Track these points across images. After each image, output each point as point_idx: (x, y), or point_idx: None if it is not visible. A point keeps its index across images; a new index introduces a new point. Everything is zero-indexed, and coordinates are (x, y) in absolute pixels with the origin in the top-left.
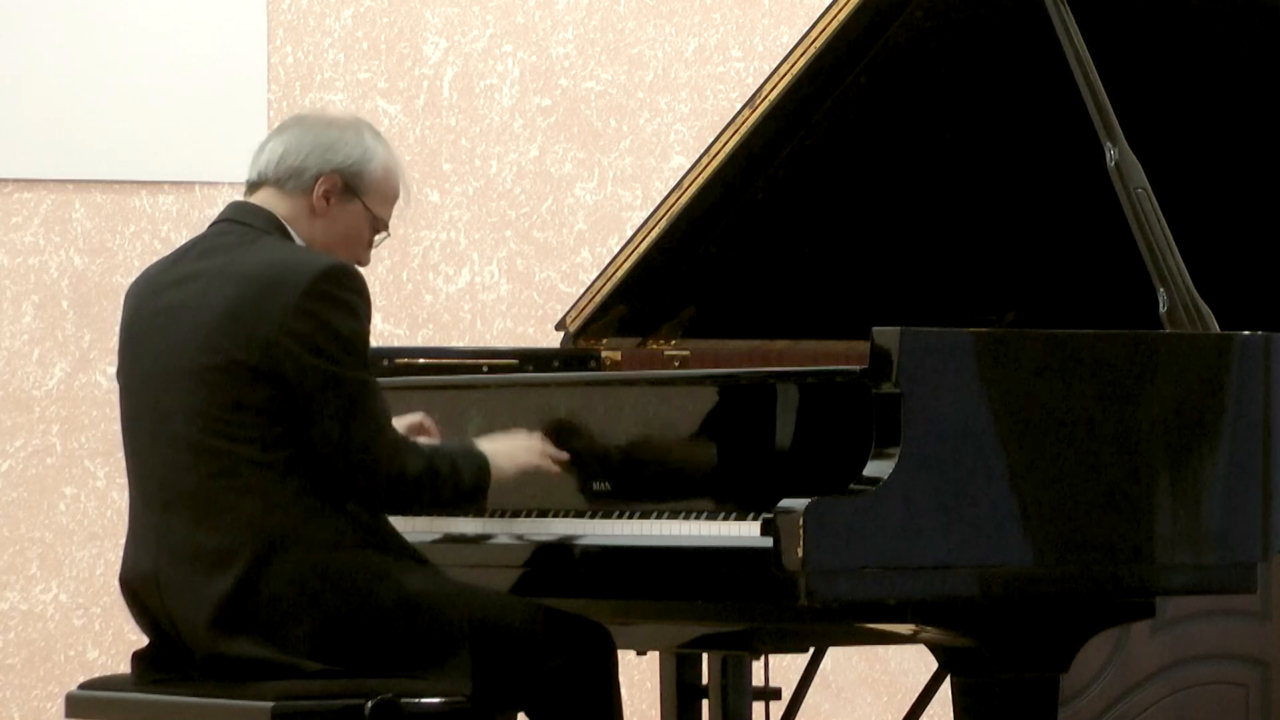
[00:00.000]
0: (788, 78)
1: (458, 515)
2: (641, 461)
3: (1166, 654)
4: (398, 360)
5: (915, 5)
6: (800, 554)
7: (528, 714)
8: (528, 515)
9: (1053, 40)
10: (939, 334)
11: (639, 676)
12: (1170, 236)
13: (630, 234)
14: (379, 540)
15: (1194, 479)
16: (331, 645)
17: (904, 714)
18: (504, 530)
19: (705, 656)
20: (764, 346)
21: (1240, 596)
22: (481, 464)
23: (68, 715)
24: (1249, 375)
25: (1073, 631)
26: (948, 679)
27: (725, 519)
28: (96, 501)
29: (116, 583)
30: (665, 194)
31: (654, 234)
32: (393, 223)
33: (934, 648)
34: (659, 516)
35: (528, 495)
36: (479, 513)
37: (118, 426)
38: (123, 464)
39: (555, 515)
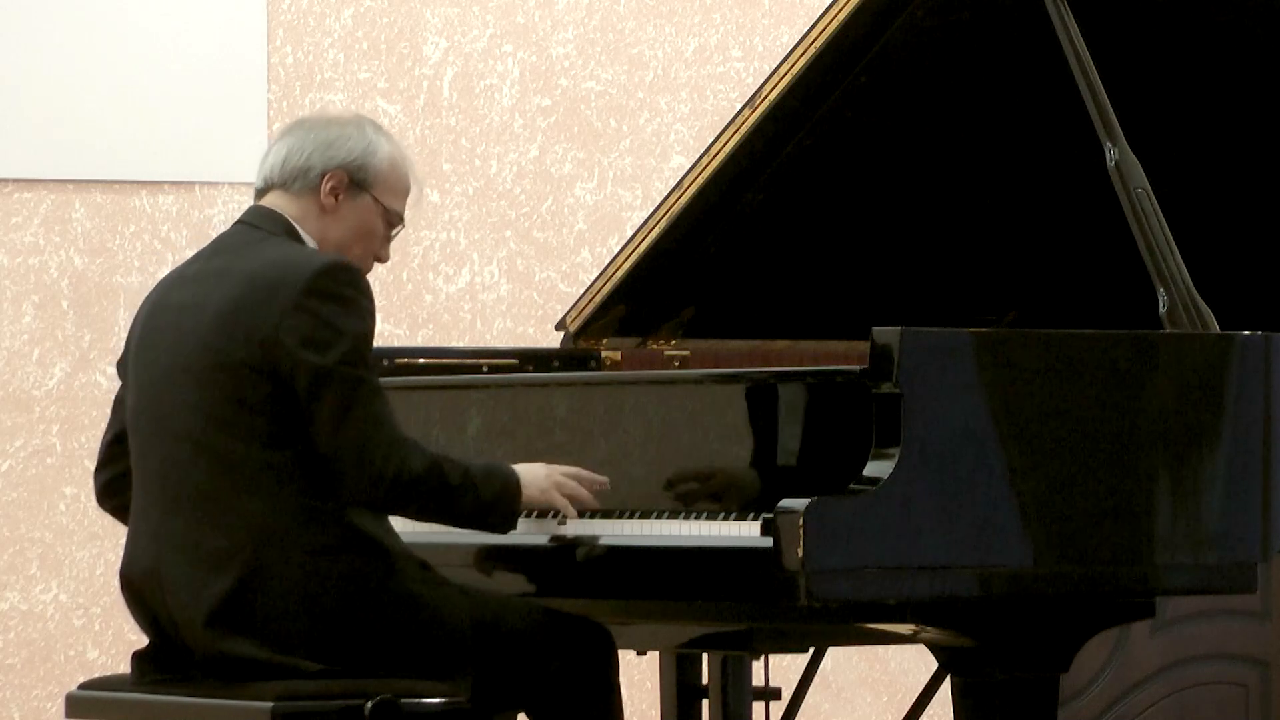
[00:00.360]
0: (788, 78)
1: (485, 532)
2: (641, 461)
3: (1166, 654)
4: (398, 360)
5: (915, 5)
6: (800, 554)
7: (529, 715)
8: (527, 515)
9: (1053, 40)
10: (939, 334)
11: (639, 676)
12: (1170, 236)
13: (630, 234)
14: (380, 543)
15: (1194, 479)
16: (331, 646)
17: (904, 714)
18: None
19: (705, 656)
20: (764, 346)
21: (1240, 596)
22: (509, 481)
23: (68, 715)
24: (1249, 375)
25: (1073, 631)
26: (948, 679)
27: (725, 519)
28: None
29: (116, 583)
30: (665, 194)
31: (654, 234)
32: (407, 216)
33: (934, 648)
34: (659, 516)
35: None
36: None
37: None
38: None
39: (555, 515)
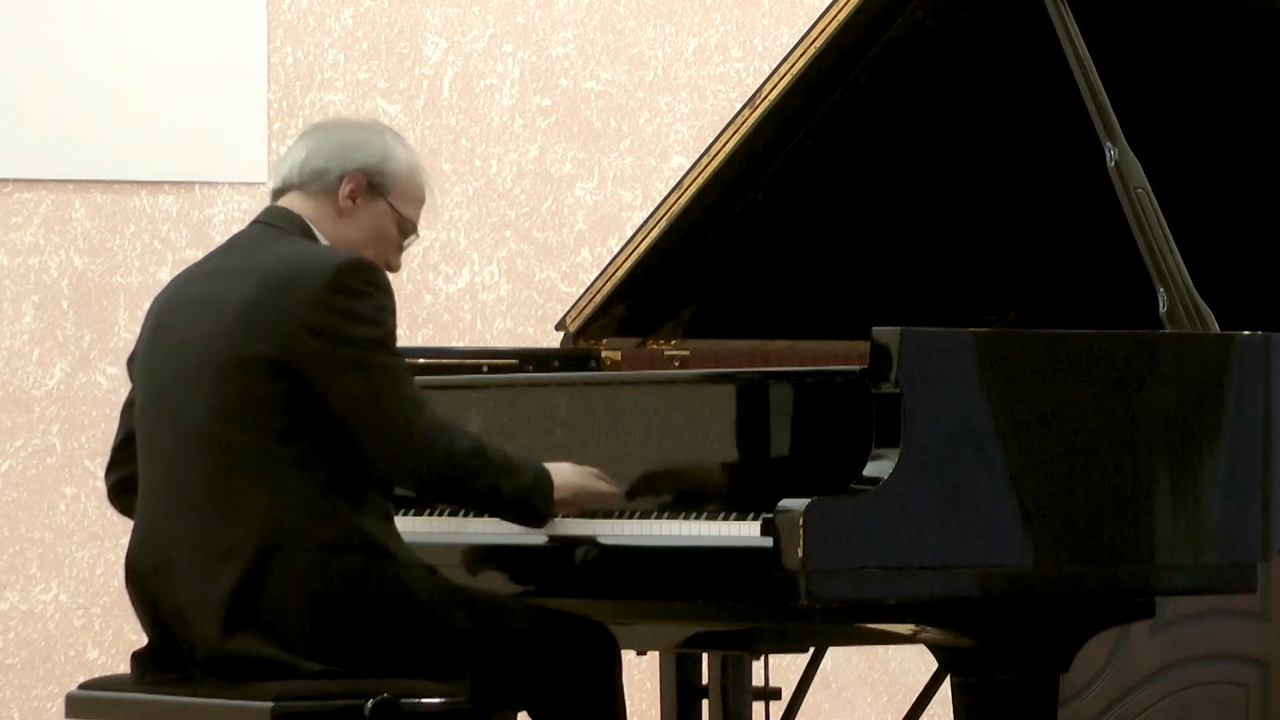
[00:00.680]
0: (788, 78)
1: (518, 523)
2: (641, 461)
3: (1166, 654)
4: None
5: (915, 5)
6: (800, 554)
7: (530, 715)
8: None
9: (1053, 40)
10: (939, 334)
11: (639, 676)
12: (1170, 236)
13: (630, 234)
14: (386, 543)
15: (1194, 479)
16: (333, 642)
17: (904, 714)
18: (504, 530)
19: (705, 656)
20: (764, 346)
21: (1240, 596)
22: (541, 471)
23: (68, 715)
24: (1249, 375)
25: (1073, 631)
26: (948, 679)
27: (725, 519)
28: (96, 501)
29: (117, 583)
30: (665, 194)
31: (654, 234)
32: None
33: (934, 648)
34: (659, 516)
35: None
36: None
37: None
38: None
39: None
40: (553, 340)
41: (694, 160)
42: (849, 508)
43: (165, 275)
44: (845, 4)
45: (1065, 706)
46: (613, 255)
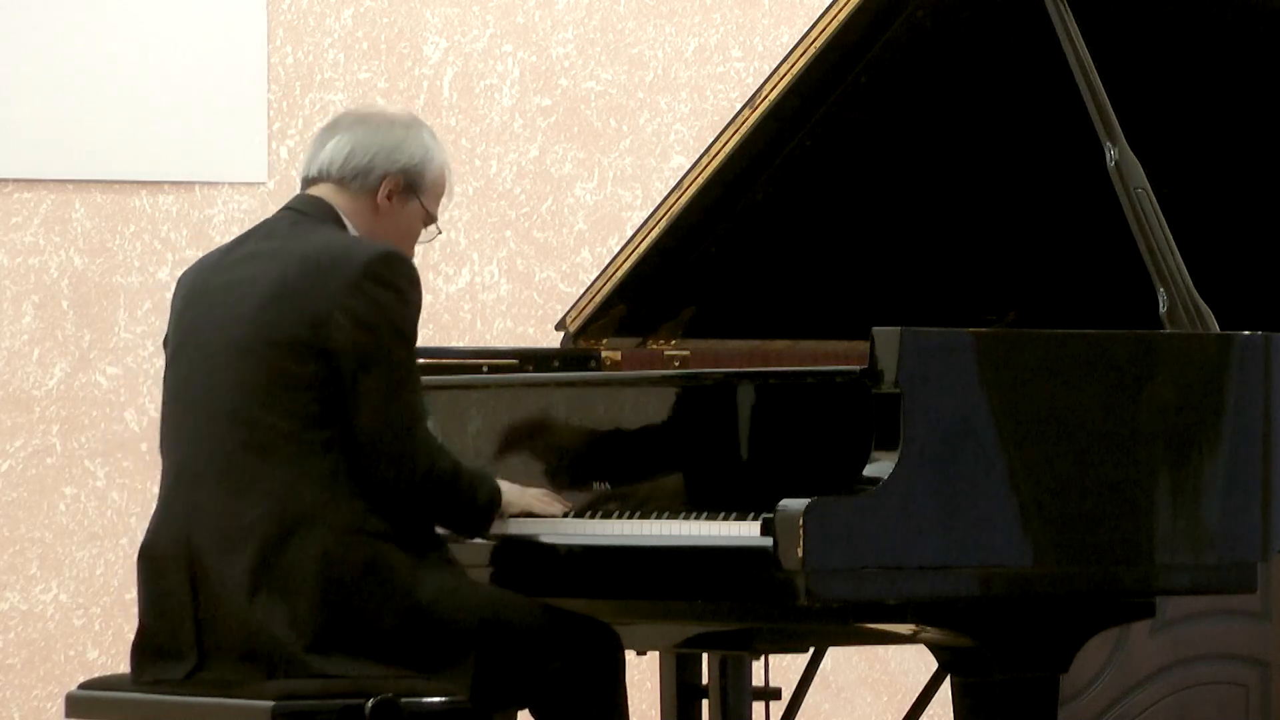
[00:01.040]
0: (788, 78)
1: (461, 535)
2: (641, 461)
3: (1166, 654)
4: None
5: (915, 5)
6: (800, 554)
7: (533, 713)
8: (527, 515)
9: (1053, 40)
10: (939, 334)
11: (639, 676)
12: (1170, 236)
13: (630, 234)
14: (402, 531)
15: (1194, 479)
16: (339, 628)
17: (904, 714)
18: (503, 530)
19: (705, 656)
20: (764, 346)
21: (1240, 596)
22: (494, 488)
23: (68, 715)
24: (1249, 375)
25: (1073, 631)
26: (948, 679)
27: (725, 519)
28: (96, 501)
29: (117, 583)
30: (665, 194)
31: (654, 234)
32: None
33: (934, 648)
34: (659, 516)
35: None
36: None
37: (118, 426)
38: (123, 464)
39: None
40: (553, 340)
41: (694, 160)
42: (849, 508)
43: (165, 275)
44: (845, 4)
45: (1065, 706)
46: (613, 255)
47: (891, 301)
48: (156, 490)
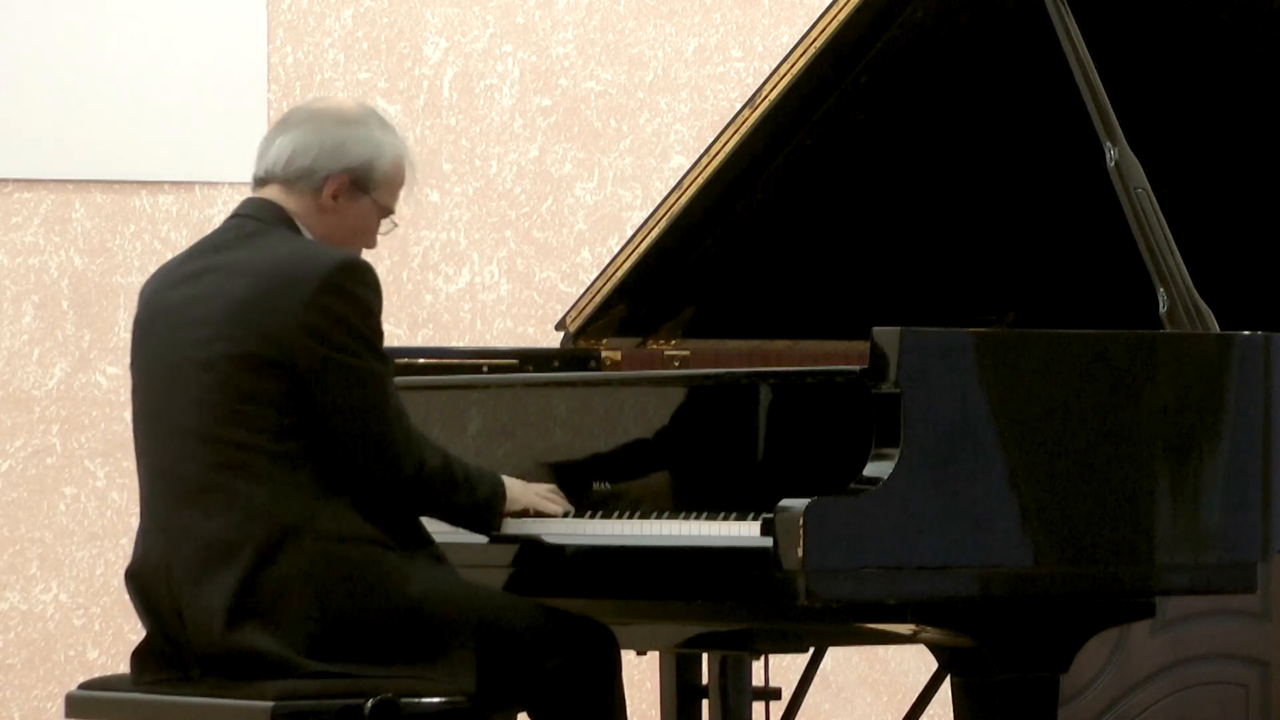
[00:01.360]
0: (788, 78)
1: (469, 530)
2: (641, 461)
3: (1166, 654)
4: (398, 360)
5: (915, 5)
6: (800, 554)
7: (530, 714)
8: (527, 515)
9: (1053, 40)
10: (939, 334)
11: (639, 676)
12: (1170, 236)
13: (630, 234)
14: (390, 534)
15: (1194, 479)
16: (334, 637)
17: (904, 714)
18: (504, 530)
19: (705, 656)
20: (764, 346)
21: (1240, 596)
22: (497, 484)
23: (68, 715)
24: (1249, 375)
25: (1073, 631)
26: (948, 679)
27: (725, 519)
28: (96, 501)
29: (117, 583)
30: (665, 194)
31: (654, 234)
32: (400, 208)
33: (934, 648)
34: (659, 516)
35: None
36: (488, 531)
37: (118, 426)
38: (122, 464)
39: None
40: (553, 340)
41: (694, 160)
42: (849, 508)
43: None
44: (845, 4)
45: (1065, 706)
46: (613, 255)
47: (891, 301)
48: None
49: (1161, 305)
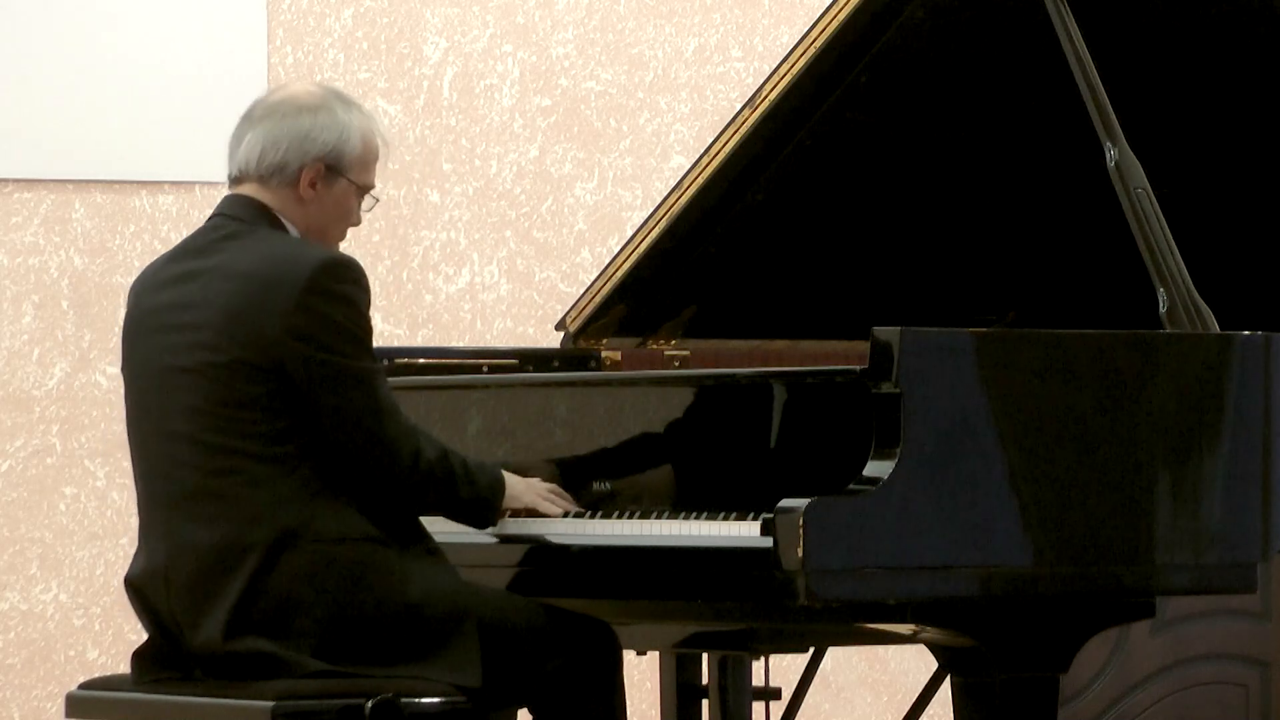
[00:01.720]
0: (788, 78)
1: (468, 525)
2: (641, 461)
3: (1166, 654)
4: (398, 360)
5: (915, 5)
6: (800, 554)
7: (531, 713)
8: (528, 515)
9: (1053, 40)
10: (939, 334)
11: (639, 676)
12: (1170, 236)
13: (630, 234)
14: (388, 532)
15: (1194, 479)
16: (337, 637)
17: (904, 714)
18: (504, 530)
19: (705, 656)
20: (764, 346)
21: (1240, 596)
22: (497, 478)
23: (68, 715)
24: (1249, 375)
25: (1073, 631)
26: (948, 679)
27: (725, 519)
28: (96, 501)
29: (116, 583)
30: (665, 194)
31: (654, 234)
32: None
33: (934, 648)
34: (659, 516)
35: None
36: (487, 526)
37: (118, 426)
38: (122, 464)
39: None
40: (553, 340)
41: (694, 160)
42: (849, 508)
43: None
44: (845, 4)
45: (1065, 706)
46: (613, 255)
47: (891, 301)
48: None
49: (1161, 305)
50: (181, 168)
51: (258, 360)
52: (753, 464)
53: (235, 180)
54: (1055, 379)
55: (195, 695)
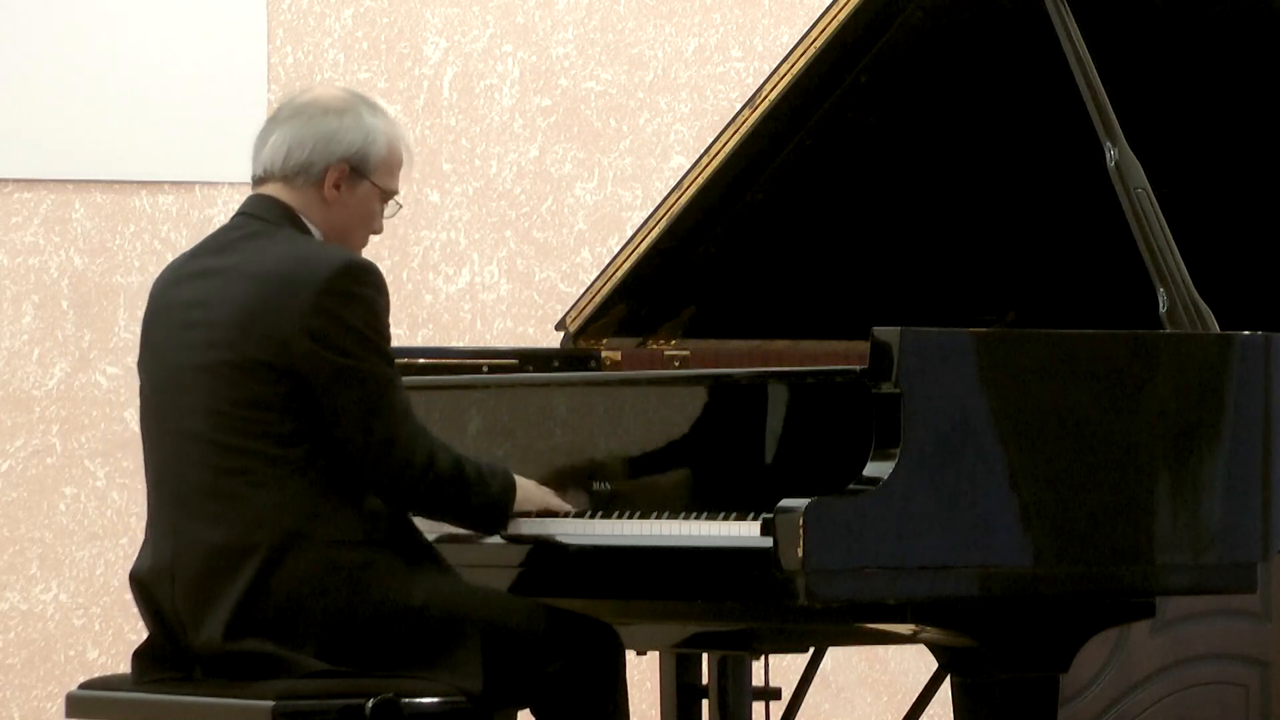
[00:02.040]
0: (788, 78)
1: (479, 532)
2: (641, 461)
3: (1166, 654)
4: (398, 360)
5: (915, 5)
6: (800, 554)
7: (533, 713)
8: (528, 515)
9: (1053, 40)
10: (939, 334)
11: (639, 676)
12: (1170, 236)
13: (630, 234)
14: (394, 538)
15: (1194, 479)
16: (339, 641)
17: (904, 714)
18: (510, 530)
19: (705, 656)
20: (764, 346)
21: (1240, 596)
22: (508, 482)
23: (68, 715)
24: (1249, 375)
25: (1073, 631)
26: (948, 679)
27: (725, 519)
28: (96, 501)
29: (116, 583)
30: (665, 194)
31: (654, 234)
32: (401, 188)
33: (934, 648)
34: (659, 516)
35: None
36: (497, 532)
37: (118, 426)
38: (122, 464)
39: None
40: (553, 340)
41: (694, 160)
42: (849, 508)
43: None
44: (845, 4)
45: (1065, 706)
46: (613, 255)
47: (891, 301)
48: None
49: (1161, 305)
50: (181, 168)
51: (273, 360)
52: (753, 464)
53: (259, 180)
54: (1055, 379)
55: (195, 695)
